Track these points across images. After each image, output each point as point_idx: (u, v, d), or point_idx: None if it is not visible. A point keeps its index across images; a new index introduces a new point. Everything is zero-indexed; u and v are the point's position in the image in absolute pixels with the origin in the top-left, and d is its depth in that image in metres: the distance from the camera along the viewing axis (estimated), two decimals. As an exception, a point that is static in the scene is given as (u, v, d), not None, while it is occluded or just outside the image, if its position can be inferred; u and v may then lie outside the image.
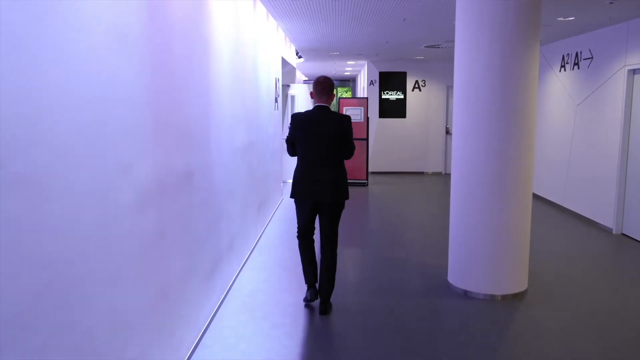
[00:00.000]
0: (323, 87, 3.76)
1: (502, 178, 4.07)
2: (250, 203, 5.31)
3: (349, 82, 23.67)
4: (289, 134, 3.85)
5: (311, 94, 3.84)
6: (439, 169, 11.89)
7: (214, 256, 3.77)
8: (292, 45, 9.64)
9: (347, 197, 3.78)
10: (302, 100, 10.49)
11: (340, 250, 5.35)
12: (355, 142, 9.88)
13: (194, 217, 3.23)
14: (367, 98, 10.10)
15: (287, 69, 10.62)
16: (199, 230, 3.36)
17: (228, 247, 4.24)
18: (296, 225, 4.37)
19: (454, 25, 4.55)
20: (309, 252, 3.95)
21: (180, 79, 2.95)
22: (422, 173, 11.88)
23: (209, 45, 3.61)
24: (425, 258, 5.27)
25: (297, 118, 3.80)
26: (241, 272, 4.73)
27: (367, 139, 9.99)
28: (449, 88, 11.72)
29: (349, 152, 3.77)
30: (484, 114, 4.05)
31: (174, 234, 2.86)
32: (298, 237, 3.96)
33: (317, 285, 3.97)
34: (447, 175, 11.65)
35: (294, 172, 3.83)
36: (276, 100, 7.66)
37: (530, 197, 4.22)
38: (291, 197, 3.80)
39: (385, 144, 11.83)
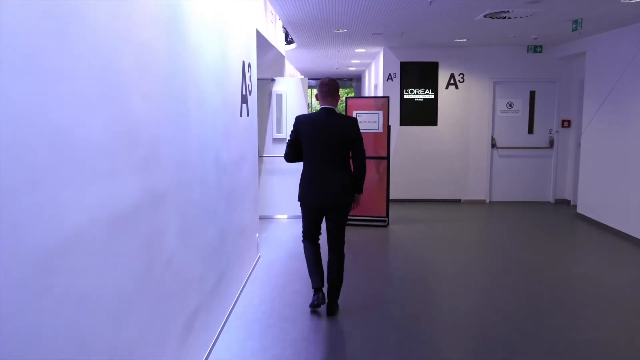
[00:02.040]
0: (328, 88, 3.74)
1: None
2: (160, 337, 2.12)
3: (352, 81, 20.41)
4: (290, 137, 3.79)
5: (316, 96, 3.82)
6: (482, 196, 8.69)
7: None
8: (277, 17, 6.45)
9: (353, 200, 3.77)
10: (295, 99, 7.21)
11: None
12: (373, 162, 6.75)
13: None
14: (387, 98, 6.90)
15: (272, 57, 7.39)
16: None
17: None
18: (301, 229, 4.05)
19: None
20: (315, 253, 3.93)
21: None
22: (458, 201, 8.69)
23: None
24: None
25: (301, 120, 3.75)
26: None
27: (388, 158, 6.80)
28: (496, 84, 8.55)
29: (360, 159, 3.73)
30: None
31: None
32: (303, 240, 3.94)
33: (324, 289, 3.89)
34: (493, 205, 8.48)
35: (301, 175, 3.79)
36: (245, 101, 4.47)
37: None
38: (298, 200, 3.82)
39: (408, 161, 8.62)
